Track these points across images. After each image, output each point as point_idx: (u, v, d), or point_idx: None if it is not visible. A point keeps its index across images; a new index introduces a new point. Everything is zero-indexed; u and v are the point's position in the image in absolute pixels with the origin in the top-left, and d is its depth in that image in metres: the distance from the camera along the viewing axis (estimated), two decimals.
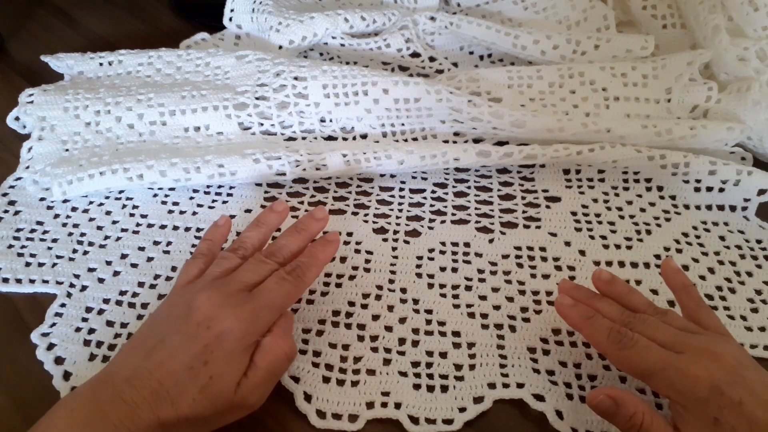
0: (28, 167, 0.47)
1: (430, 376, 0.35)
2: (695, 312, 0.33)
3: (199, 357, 0.28)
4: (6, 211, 0.44)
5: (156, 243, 0.42)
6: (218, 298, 0.30)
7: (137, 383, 0.28)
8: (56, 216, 0.44)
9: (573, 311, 0.33)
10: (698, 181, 0.45)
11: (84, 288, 0.39)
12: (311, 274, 0.33)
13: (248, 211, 0.45)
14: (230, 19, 0.59)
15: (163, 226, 0.44)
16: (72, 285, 0.39)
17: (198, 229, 0.43)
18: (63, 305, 0.38)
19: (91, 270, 0.40)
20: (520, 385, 0.35)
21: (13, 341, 0.37)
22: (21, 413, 0.34)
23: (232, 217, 0.44)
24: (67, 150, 0.47)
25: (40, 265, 0.41)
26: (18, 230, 0.43)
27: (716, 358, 0.29)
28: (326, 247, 0.35)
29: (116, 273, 0.40)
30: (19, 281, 0.40)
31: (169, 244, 0.42)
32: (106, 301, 0.39)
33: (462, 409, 0.34)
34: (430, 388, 0.35)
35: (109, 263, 0.41)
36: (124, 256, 0.41)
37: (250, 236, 0.35)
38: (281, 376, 0.33)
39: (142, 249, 0.42)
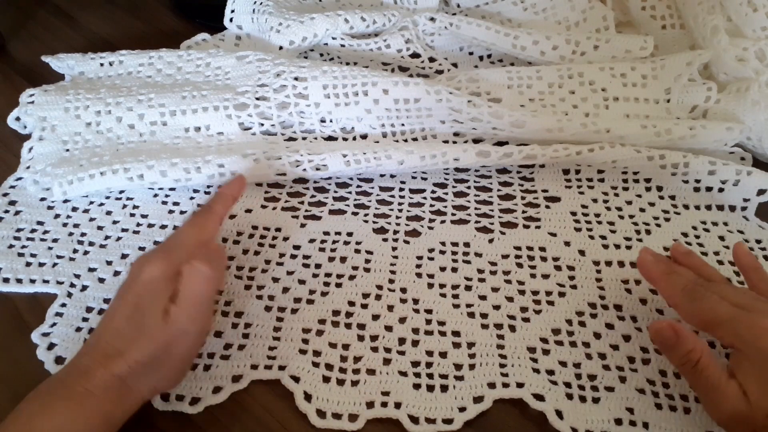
0: (28, 167, 0.47)
1: (430, 376, 0.35)
2: (765, 291, 0.34)
3: (131, 304, 0.31)
4: (6, 211, 0.44)
5: (156, 243, 0.42)
6: (146, 255, 0.33)
7: (90, 351, 0.30)
8: (57, 216, 0.44)
9: (655, 266, 0.35)
10: (698, 181, 0.45)
11: (84, 288, 0.40)
12: (218, 205, 0.37)
13: (248, 211, 0.45)
14: (231, 20, 0.59)
15: (163, 226, 0.44)
16: (72, 285, 0.40)
17: None
18: (63, 305, 0.38)
19: (91, 270, 0.41)
20: (519, 385, 0.35)
21: (13, 341, 0.37)
22: None
23: (232, 217, 0.44)
24: (67, 150, 0.47)
25: (41, 265, 0.41)
26: (18, 230, 0.43)
27: None
28: (231, 183, 0.39)
29: (117, 273, 0.40)
30: (19, 281, 0.40)
31: None
32: (106, 301, 0.39)
33: (462, 409, 0.34)
34: (430, 388, 0.35)
35: (109, 263, 0.41)
36: (124, 256, 0.41)
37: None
38: (210, 299, 0.33)
39: (142, 249, 0.42)
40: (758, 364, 0.29)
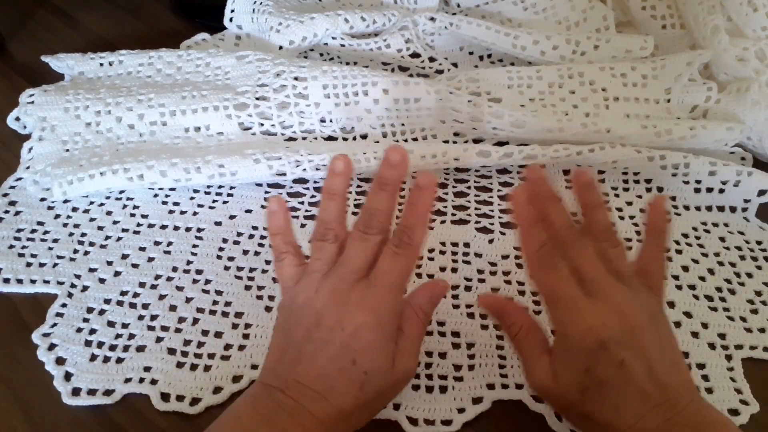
0: (28, 167, 0.47)
1: (430, 377, 0.35)
2: (650, 259, 0.32)
3: (343, 357, 0.28)
4: (7, 212, 0.44)
5: (157, 243, 0.42)
6: (340, 296, 0.29)
7: (291, 392, 0.28)
8: (57, 216, 0.44)
9: (523, 210, 0.31)
10: (698, 182, 0.45)
11: (85, 288, 0.40)
12: (418, 235, 0.30)
13: (248, 211, 0.45)
14: (231, 20, 0.59)
15: (163, 227, 0.44)
16: (73, 285, 0.40)
17: (199, 229, 0.43)
18: (64, 305, 0.38)
19: (92, 270, 0.41)
20: (519, 386, 0.35)
21: (13, 342, 0.37)
22: (22, 414, 0.34)
23: (232, 217, 0.44)
24: (67, 150, 0.47)
25: (41, 265, 0.41)
26: (19, 230, 0.43)
27: (621, 316, 0.28)
28: (422, 197, 0.30)
29: (117, 273, 0.40)
30: (20, 281, 0.40)
31: (170, 244, 0.42)
32: (107, 301, 0.39)
33: (461, 410, 0.34)
34: (429, 389, 0.35)
35: (110, 263, 0.41)
36: (125, 257, 0.41)
37: (329, 214, 0.32)
38: (426, 326, 0.32)
39: (143, 249, 0.42)
40: (574, 357, 0.28)
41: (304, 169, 0.45)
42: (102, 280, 0.40)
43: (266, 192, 0.46)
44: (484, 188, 0.47)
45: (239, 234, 0.43)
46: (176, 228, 0.43)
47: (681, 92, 0.49)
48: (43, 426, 0.33)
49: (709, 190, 0.45)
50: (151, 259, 0.41)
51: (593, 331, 0.28)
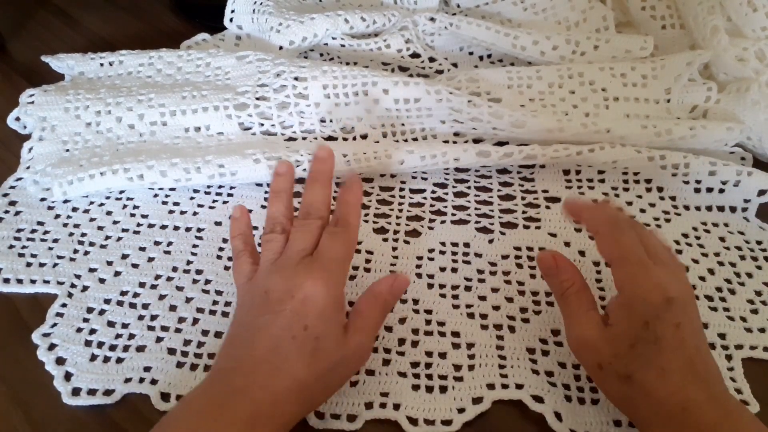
0: (28, 167, 0.47)
1: (429, 377, 0.35)
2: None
3: (295, 324, 0.30)
4: (7, 212, 0.44)
5: (157, 243, 0.42)
6: (287, 272, 0.31)
7: (245, 369, 0.29)
8: (57, 216, 0.44)
9: (582, 200, 0.35)
10: (698, 181, 0.45)
11: (85, 288, 0.40)
12: (353, 218, 0.35)
13: (249, 211, 0.45)
14: (231, 20, 0.59)
15: (163, 227, 0.44)
16: (73, 285, 0.40)
17: (199, 229, 0.43)
18: (64, 305, 0.38)
19: (92, 270, 0.41)
20: (519, 386, 0.35)
21: (13, 342, 0.37)
22: (22, 414, 0.34)
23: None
24: (67, 150, 0.47)
25: (41, 265, 0.41)
26: (19, 230, 0.43)
27: (684, 286, 0.31)
28: (352, 189, 0.36)
29: (117, 273, 0.40)
30: (20, 281, 0.40)
31: (170, 244, 0.42)
32: (107, 301, 0.39)
33: (461, 410, 0.34)
34: (429, 389, 0.35)
35: (110, 263, 0.41)
36: (125, 257, 0.41)
37: (276, 210, 0.35)
38: (385, 315, 0.34)
39: (143, 249, 0.42)
40: (635, 312, 0.30)
41: (304, 169, 0.45)
42: (102, 280, 0.40)
43: (266, 192, 0.46)
44: (484, 188, 0.47)
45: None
46: (176, 228, 0.44)
47: (681, 92, 0.49)
48: (43, 426, 0.33)
49: (709, 190, 0.45)
50: (151, 259, 0.41)
51: (661, 287, 0.29)
